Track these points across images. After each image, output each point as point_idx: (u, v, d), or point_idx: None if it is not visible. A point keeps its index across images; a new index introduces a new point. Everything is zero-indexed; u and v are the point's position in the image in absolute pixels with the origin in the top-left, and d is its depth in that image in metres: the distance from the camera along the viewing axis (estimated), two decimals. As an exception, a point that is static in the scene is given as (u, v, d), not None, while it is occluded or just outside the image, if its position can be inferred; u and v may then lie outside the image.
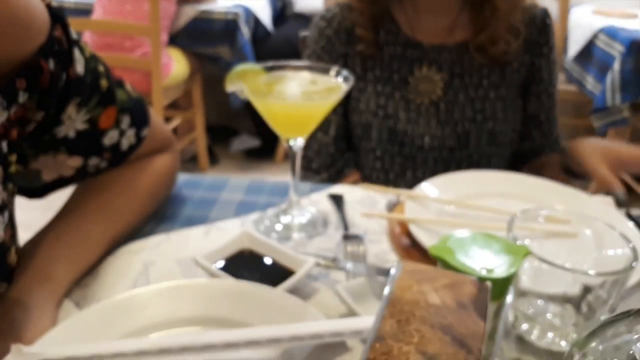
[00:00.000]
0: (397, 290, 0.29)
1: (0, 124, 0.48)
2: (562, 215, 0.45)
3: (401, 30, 0.92)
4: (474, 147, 0.91)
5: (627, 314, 0.25)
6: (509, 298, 0.36)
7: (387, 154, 0.94)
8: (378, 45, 0.92)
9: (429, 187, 0.69)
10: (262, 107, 0.60)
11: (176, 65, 2.16)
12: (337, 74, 0.63)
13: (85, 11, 2.12)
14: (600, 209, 0.65)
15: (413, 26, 0.92)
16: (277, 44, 2.34)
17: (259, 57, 2.27)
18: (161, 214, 0.68)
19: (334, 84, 0.62)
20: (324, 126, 0.96)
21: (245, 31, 2.23)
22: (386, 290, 0.29)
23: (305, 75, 0.64)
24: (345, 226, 0.65)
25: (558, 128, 1.00)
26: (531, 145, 0.97)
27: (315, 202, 0.71)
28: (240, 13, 2.19)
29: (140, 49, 2.03)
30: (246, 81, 0.60)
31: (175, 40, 2.17)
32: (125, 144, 0.62)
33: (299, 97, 0.61)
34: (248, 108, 2.54)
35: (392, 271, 0.31)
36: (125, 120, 0.61)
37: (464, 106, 0.91)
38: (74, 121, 0.56)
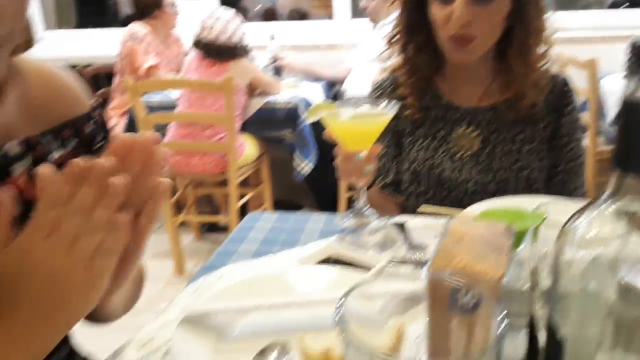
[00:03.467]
0: (452, 227, 0.47)
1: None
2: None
3: (442, 96, 1.13)
4: (512, 192, 1.06)
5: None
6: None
7: (436, 197, 1.11)
8: (423, 109, 1.13)
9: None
10: (336, 125, 0.85)
11: (247, 147, 2.46)
12: (387, 104, 0.88)
13: (170, 107, 2.49)
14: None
15: (452, 93, 1.12)
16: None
17: (317, 137, 2.54)
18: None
19: (384, 111, 0.87)
20: (381, 171, 1.16)
21: (304, 116, 2.52)
22: (444, 228, 0.47)
23: (365, 106, 0.90)
24: (410, 243, 0.82)
25: (581, 181, 1.12)
26: (551, 192, 1.11)
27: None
28: (299, 102, 2.50)
29: (218, 135, 2.34)
30: (323, 110, 0.83)
31: (245, 127, 2.49)
32: None
33: (359, 112, 0.87)
34: (309, 184, 2.78)
35: (449, 220, 0.49)
36: None
37: (502, 157, 1.08)
38: None
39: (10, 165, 0.54)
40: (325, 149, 2.60)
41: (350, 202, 2.56)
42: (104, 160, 0.45)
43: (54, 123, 0.60)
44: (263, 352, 0.52)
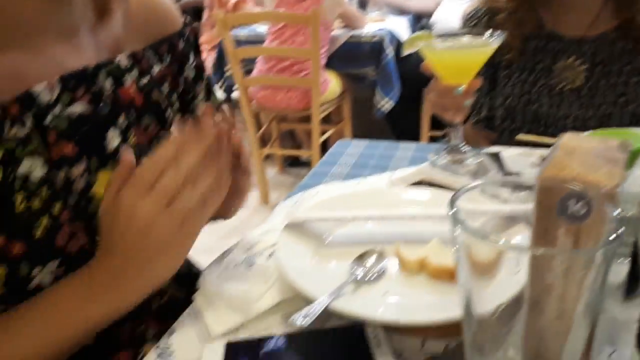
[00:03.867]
0: (563, 142, 0.46)
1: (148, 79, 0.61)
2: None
3: (545, 25, 1.06)
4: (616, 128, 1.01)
5: None
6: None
7: (531, 134, 1.07)
8: (522, 40, 1.07)
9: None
10: (435, 57, 0.82)
11: (331, 84, 2.46)
12: (487, 36, 0.82)
13: (258, 42, 2.52)
14: None
15: (556, 21, 1.05)
16: (419, 61, 2.54)
17: (403, 73, 2.49)
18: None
19: (488, 42, 0.82)
20: (474, 107, 1.13)
21: (389, 51, 2.46)
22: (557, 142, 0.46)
23: (467, 37, 0.85)
24: (505, 171, 0.81)
25: None
26: None
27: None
28: (384, 35, 2.44)
29: (304, 72, 2.36)
30: (422, 41, 0.81)
31: (329, 62, 2.48)
32: None
33: (461, 43, 0.82)
34: (390, 122, 2.76)
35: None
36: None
37: (606, 91, 1.01)
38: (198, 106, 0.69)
39: (122, 76, 0.58)
40: (408, 87, 2.56)
41: (433, 141, 2.52)
42: (206, 125, 0.48)
43: (153, 39, 0.64)
44: (361, 257, 0.56)
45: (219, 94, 2.92)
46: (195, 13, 3.17)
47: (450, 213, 0.35)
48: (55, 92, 0.51)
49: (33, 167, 0.48)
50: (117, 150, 0.55)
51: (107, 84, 0.56)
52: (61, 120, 0.51)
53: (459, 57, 0.83)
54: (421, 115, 2.57)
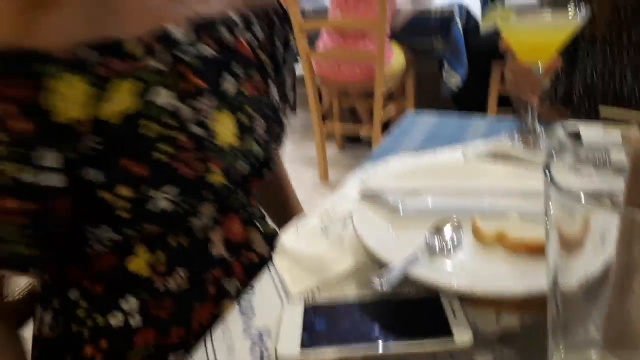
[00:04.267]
0: None
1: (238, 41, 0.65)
2: None
3: None
4: None
5: None
6: None
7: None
8: (611, 10, 1.00)
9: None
10: (515, 34, 0.77)
11: (395, 57, 2.42)
12: (571, 12, 0.76)
13: (323, 12, 2.51)
14: None
15: None
16: (486, 35, 2.45)
17: (471, 48, 2.41)
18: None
19: (572, 19, 0.76)
20: (551, 84, 1.08)
21: (458, 25, 2.38)
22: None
23: (548, 14, 0.79)
24: (587, 146, 0.77)
25: None
26: None
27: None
28: (454, 9, 2.36)
29: (370, 44, 2.33)
30: (499, 17, 0.77)
31: (395, 35, 2.43)
32: None
33: (543, 20, 0.77)
34: (456, 100, 2.69)
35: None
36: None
37: None
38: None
39: (235, 30, 0.64)
40: (474, 62, 2.48)
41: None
42: None
43: (255, 6, 0.69)
44: (437, 227, 0.55)
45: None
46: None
47: (545, 172, 0.35)
48: (189, 35, 0.57)
49: (166, 97, 0.54)
50: (232, 94, 0.61)
51: (227, 35, 0.62)
52: (194, 60, 0.57)
53: (540, 36, 0.78)
54: (488, 92, 2.49)
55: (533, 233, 0.49)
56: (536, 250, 0.49)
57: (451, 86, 2.43)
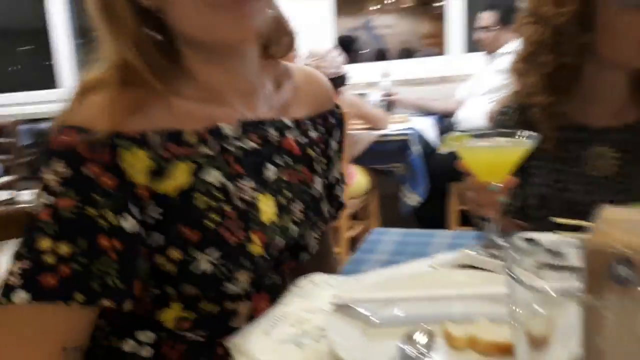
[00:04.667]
0: (604, 214, 0.48)
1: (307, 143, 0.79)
2: None
3: (571, 117, 1.10)
4: None
5: None
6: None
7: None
8: (555, 132, 1.10)
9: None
10: (472, 156, 0.84)
11: (358, 178, 2.53)
12: (523, 135, 0.84)
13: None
14: None
15: (583, 112, 1.09)
16: (445, 157, 2.61)
17: (430, 169, 2.55)
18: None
19: (525, 140, 0.83)
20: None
21: (415, 149, 2.55)
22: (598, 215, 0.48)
23: (500, 138, 0.87)
24: (547, 251, 0.81)
25: None
26: None
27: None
28: (410, 134, 2.54)
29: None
30: (457, 141, 0.84)
31: (356, 159, 2.57)
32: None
33: (498, 143, 0.84)
34: (418, 218, 2.77)
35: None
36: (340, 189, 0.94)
37: (638, 178, 1.03)
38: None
39: (286, 131, 0.75)
40: (434, 181, 2.61)
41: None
42: None
43: (313, 111, 0.81)
44: (409, 337, 0.56)
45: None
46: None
47: (509, 274, 0.37)
48: (236, 131, 0.70)
49: (215, 176, 0.66)
50: (272, 180, 0.72)
51: (274, 133, 0.74)
52: (237, 150, 0.69)
53: (496, 156, 0.85)
54: (448, 209, 2.59)
55: (503, 334, 0.50)
56: (507, 351, 0.50)
57: (411, 204, 2.54)
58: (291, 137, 0.76)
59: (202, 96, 0.70)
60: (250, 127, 0.72)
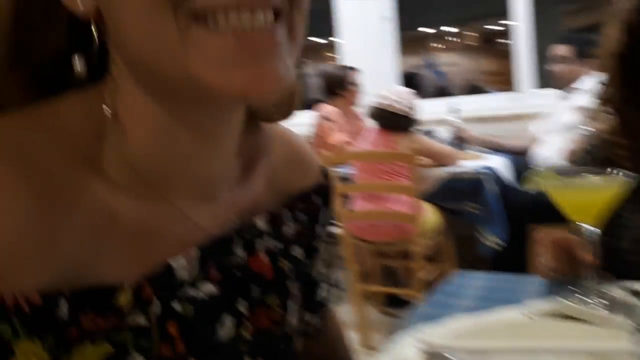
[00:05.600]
0: None
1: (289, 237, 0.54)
2: None
3: None
4: None
5: None
6: None
7: None
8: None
9: None
10: (561, 193, 0.79)
11: (429, 217, 2.47)
12: (617, 172, 0.78)
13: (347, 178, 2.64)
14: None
15: None
16: (523, 195, 2.50)
17: (507, 209, 2.45)
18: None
19: (617, 178, 0.78)
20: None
21: (490, 188, 2.46)
22: None
23: (592, 175, 0.81)
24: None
25: None
26: None
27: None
28: (485, 172, 2.46)
29: (396, 205, 2.41)
30: (545, 178, 0.80)
31: (427, 197, 2.51)
32: (319, 295, 0.61)
33: (591, 180, 0.78)
34: (497, 263, 2.64)
35: None
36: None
37: None
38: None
39: (255, 242, 0.50)
40: (513, 222, 2.49)
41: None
42: None
43: (290, 194, 0.56)
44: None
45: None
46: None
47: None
48: (193, 270, 0.44)
49: None
50: (225, 342, 0.47)
51: (239, 254, 0.49)
52: (187, 305, 0.44)
53: (589, 195, 0.80)
54: (528, 253, 2.46)
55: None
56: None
57: (490, 246, 2.43)
58: (261, 249, 0.51)
59: (132, 182, 0.42)
60: (210, 255, 0.45)
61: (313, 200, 0.58)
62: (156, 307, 0.41)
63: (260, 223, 0.51)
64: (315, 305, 0.60)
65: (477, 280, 0.96)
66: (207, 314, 0.45)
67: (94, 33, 0.41)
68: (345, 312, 2.80)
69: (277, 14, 0.38)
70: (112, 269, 0.40)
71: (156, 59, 0.37)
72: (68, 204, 0.39)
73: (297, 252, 0.55)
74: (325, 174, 0.61)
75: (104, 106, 0.42)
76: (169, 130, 0.42)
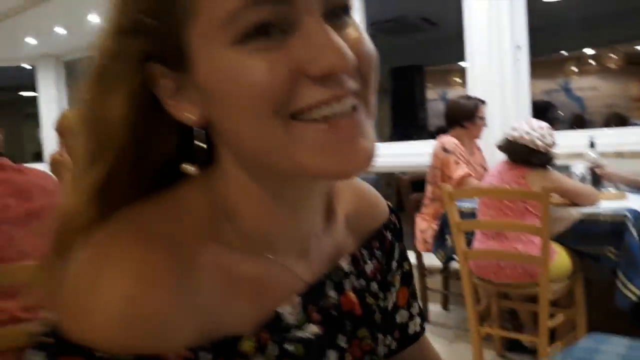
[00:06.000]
0: None
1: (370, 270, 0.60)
2: None
3: None
4: None
5: None
6: None
7: None
8: None
9: None
10: None
11: (560, 260, 2.27)
12: None
13: (470, 214, 2.52)
14: None
15: None
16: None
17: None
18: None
19: None
20: None
21: (633, 231, 2.20)
22: None
23: None
24: None
25: None
26: None
27: None
28: (626, 215, 2.21)
29: (523, 243, 2.25)
30: None
31: (559, 237, 2.31)
32: (412, 328, 0.67)
33: None
34: (636, 316, 2.35)
35: None
36: (415, 306, 0.68)
37: None
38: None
39: (343, 282, 0.57)
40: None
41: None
42: None
43: (365, 235, 0.62)
44: None
45: (438, 262, 2.92)
46: (413, 186, 3.32)
47: None
48: (298, 314, 0.50)
49: None
50: None
51: (332, 296, 0.55)
52: (297, 346, 0.50)
53: None
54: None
55: None
56: None
57: (630, 297, 2.17)
58: (349, 288, 0.57)
59: (244, 245, 0.49)
60: (310, 299, 0.52)
61: (386, 236, 0.65)
62: (273, 350, 0.48)
63: (345, 265, 0.58)
64: (406, 339, 0.66)
65: (615, 347, 0.86)
66: (315, 351, 0.52)
67: (203, 139, 0.51)
68: (464, 352, 2.68)
69: (355, 96, 0.45)
70: (234, 319, 0.47)
71: (266, 154, 0.44)
72: (200, 270, 0.45)
73: (375, 287, 0.61)
74: (391, 211, 0.67)
75: (216, 190, 0.50)
76: (270, 204, 0.50)
